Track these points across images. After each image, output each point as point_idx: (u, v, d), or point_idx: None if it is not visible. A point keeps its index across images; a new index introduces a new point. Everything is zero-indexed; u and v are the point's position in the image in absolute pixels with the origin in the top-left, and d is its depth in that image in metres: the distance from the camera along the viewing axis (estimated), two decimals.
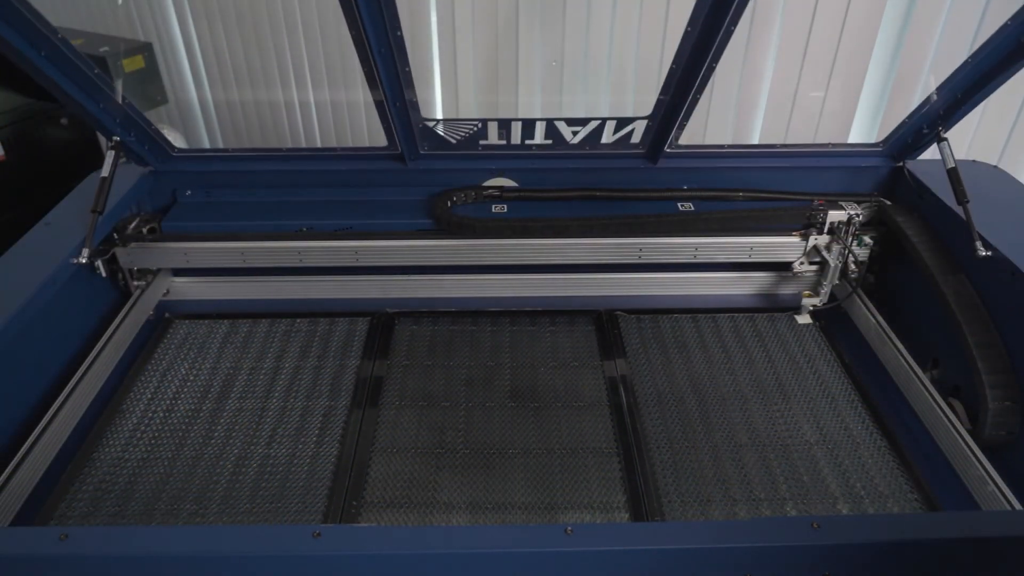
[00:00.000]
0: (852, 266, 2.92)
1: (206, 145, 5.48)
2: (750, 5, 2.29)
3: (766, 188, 3.06)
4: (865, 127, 4.50)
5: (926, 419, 2.46)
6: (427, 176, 3.11)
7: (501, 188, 3.10)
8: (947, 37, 3.97)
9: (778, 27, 4.24)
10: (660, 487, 2.22)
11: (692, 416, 2.49)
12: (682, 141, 2.98)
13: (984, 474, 2.14)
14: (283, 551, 1.51)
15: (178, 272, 3.14)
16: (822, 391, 2.60)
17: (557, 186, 3.09)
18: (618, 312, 2.99)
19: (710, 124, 4.65)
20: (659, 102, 2.78)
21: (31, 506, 2.16)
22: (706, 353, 2.78)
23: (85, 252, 2.62)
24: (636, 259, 2.94)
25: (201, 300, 3.13)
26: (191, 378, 2.66)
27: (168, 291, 3.12)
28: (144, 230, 2.94)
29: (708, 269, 3.09)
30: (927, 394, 2.45)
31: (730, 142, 4.66)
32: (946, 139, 2.69)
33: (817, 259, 2.97)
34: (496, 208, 3.04)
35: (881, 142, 3.01)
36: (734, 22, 2.33)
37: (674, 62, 2.59)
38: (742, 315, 2.99)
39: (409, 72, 2.61)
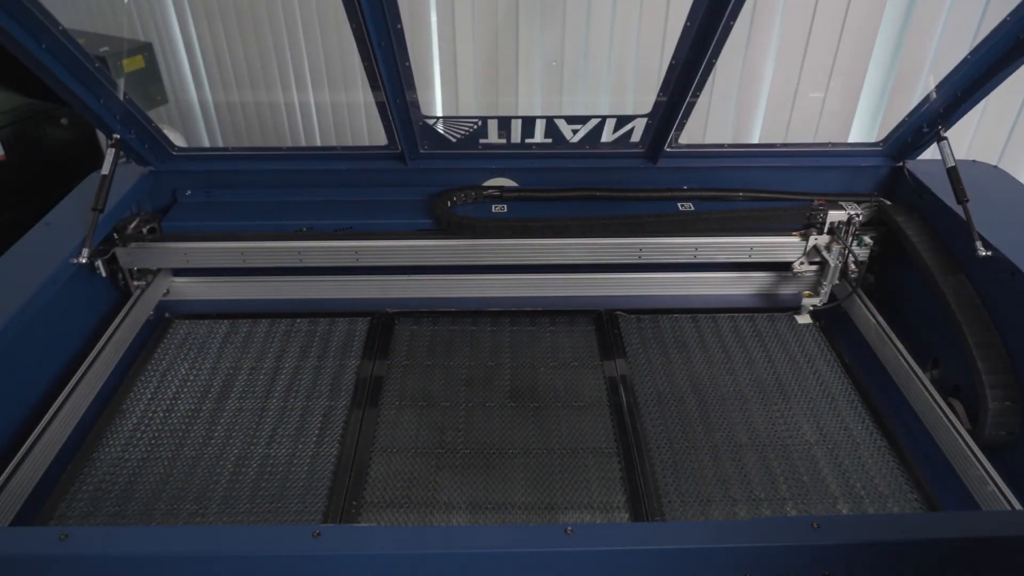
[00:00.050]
0: (852, 266, 2.92)
1: (206, 145, 5.48)
2: (750, 5, 2.29)
3: (766, 188, 3.06)
4: (865, 127, 4.50)
5: (926, 419, 2.46)
6: (427, 176, 3.11)
7: (501, 188, 3.10)
8: (947, 36, 3.97)
9: (778, 27, 4.24)
10: (660, 487, 2.22)
11: (692, 416, 2.49)
12: (682, 140, 2.98)
13: (984, 474, 2.14)
14: (283, 551, 1.51)
15: (178, 272, 3.14)
16: (822, 391, 2.60)
17: (557, 186, 3.09)
18: (618, 312, 2.99)
19: (710, 124, 4.65)
20: (659, 99, 2.78)
21: (31, 506, 2.16)
22: (706, 353, 2.78)
23: (85, 252, 2.62)
24: (636, 259, 2.94)
25: (201, 300, 3.13)
26: (191, 378, 2.66)
27: (168, 291, 3.12)
28: (144, 230, 2.94)
29: (708, 269, 3.09)
30: (927, 394, 2.45)
31: (730, 142, 4.66)
32: (946, 138, 2.69)
33: (817, 259, 2.97)
34: (496, 208, 3.04)
35: (881, 141, 3.01)
36: (733, 17, 2.33)
37: (674, 58, 2.59)
38: (742, 315, 2.99)
39: (409, 67, 2.61)
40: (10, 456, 2.20)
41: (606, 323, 2.93)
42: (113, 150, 2.79)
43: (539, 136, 2.97)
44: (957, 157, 2.66)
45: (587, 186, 3.08)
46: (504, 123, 2.91)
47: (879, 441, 2.39)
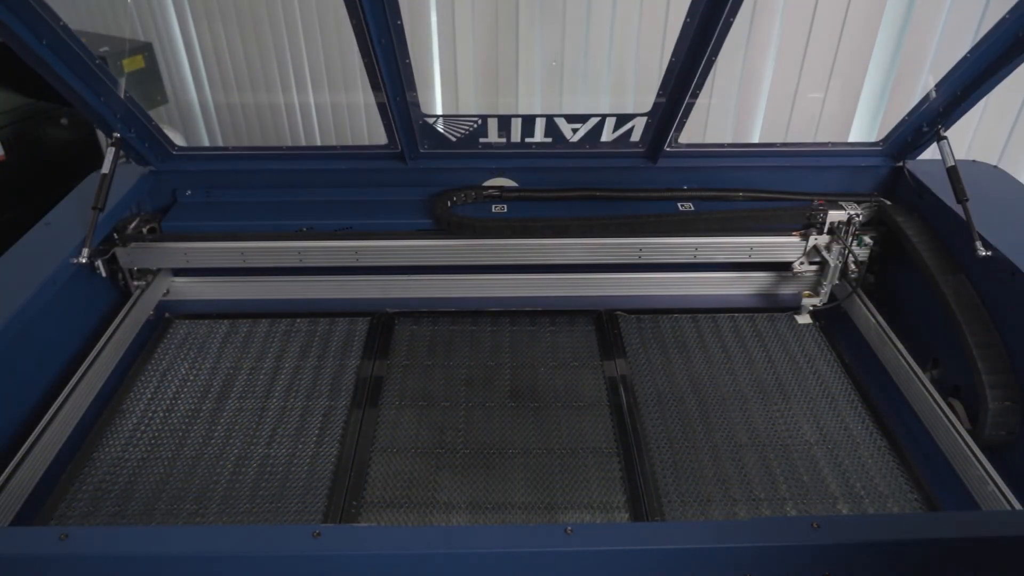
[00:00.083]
0: (852, 266, 2.92)
1: (206, 145, 5.48)
2: (750, 5, 2.29)
3: (766, 188, 3.06)
4: (865, 127, 4.50)
5: (926, 419, 2.46)
6: (427, 175, 3.11)
7: (501, 188, 3.10)
8: (947, 36, 3.97)
9: (778, 27, 4.24)
10: (660, 487, 2.22)
11: (692, 416, 2.49)
12: (682, 140, 2.98)
13: (984, 474, 2.14)
14: (283, 551, 1.51)
15: (178, 272, 3.14)
16: (822, 391, 2.60)
17: (557, 186, 3.09)
18: (618, 312, 2.99)
19: (710, 124, 4.65)
20: (659, 98, 2.77)
21: (31, 506, 2.16)
22: (706, 353, 2.78)
23: (85, 252, 2.62)
24: (636, 259, 2.94)
25: (201, 300, 3.13)
26: (191, 378, 2.66)
27: (168, 291, 3.12)
28: (144, 230, 2.94)
29: (708, 269, 3.09)
30: (927, 394, 2.45)
31: (730, 142, 4.66)
32: (946, 137, 2.69)
33: (817, 259, 2.97)
34: (496, 208, 3.04)
35: (881, 141, 3.01)
36: (733, 14, 2.32)
37: (673, 55, 2.59)
38: (742, 315, 2.99)
39: (409, 65, 2.61)
40: (10, 456, 2.20)
41: (606, 323, 2.93)
42: (113, 149, 2.79)
43: (539, 135, 2.97)
44: (957, 157, 2.66)
45: (587, 186, 3.08)
46: (504, 122, 2.91)
47: (879, 441, 2.39)
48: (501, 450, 2.36)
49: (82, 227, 2.69)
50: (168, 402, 2.56)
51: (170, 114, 5.30)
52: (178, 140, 3.19)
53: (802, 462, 2.31)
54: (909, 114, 2.80)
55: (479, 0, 4.40)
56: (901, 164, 3.00)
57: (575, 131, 2.96)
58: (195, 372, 2.69)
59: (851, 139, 4.51)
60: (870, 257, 2.96)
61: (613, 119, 2.90)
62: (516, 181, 3.12)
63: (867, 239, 2.92)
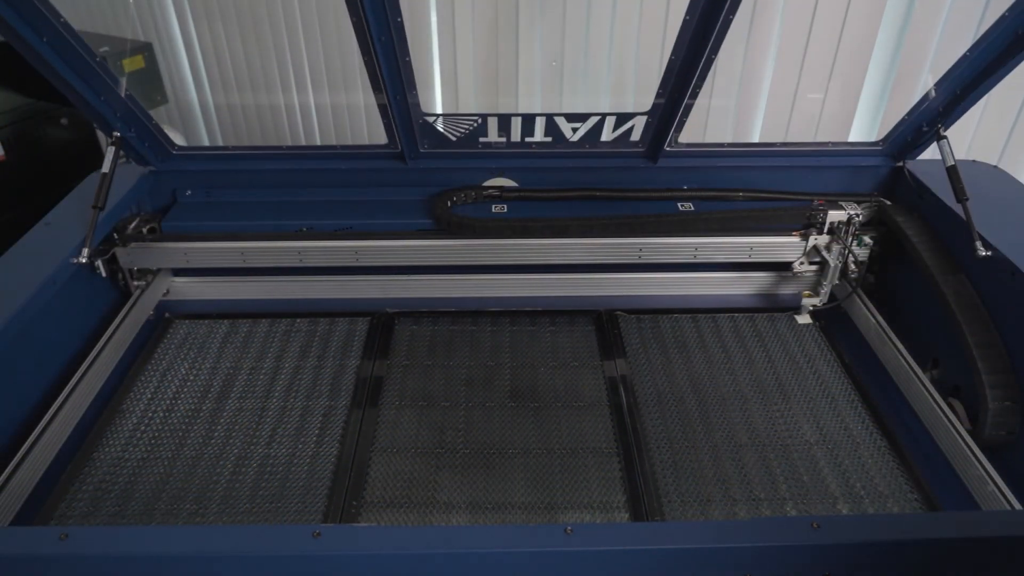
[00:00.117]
0: (852, 266, 2.92)
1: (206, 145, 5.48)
2: (750, 4, 2.28)
3: (766, 188, 3.06)
4: (865, 127, 4.50)
5: (926, 419, 2.46)
6: (427, 175, 3.11)
7: (501, 188, 3.10)
8: (948, 36, 3.97)
9: (778, 27, 4.24)
10: (660, 487, 2.22)
11: (692, 416, 2.49)
12: (682, 140, 2.98)
13: (984, 474, 2.14)
14: (283, 551, 1.51)
15: (178, 272, 3.14)
16: (822, 391, 2.60)
17: (557, 186, 3.09)
18: (618, 312, 2.99)
19: (710, 124, 4.65)
20: (659, 96, 2.77)
21: (31, 506, 2.16)
22: (706, 353, 2.78)
23: (85, 252, 2.62)
24: (636, 259, 2.94)
25: (201, 300, 3.13)
26: (191, 378, 2.66)
27: (168, 291, 3.12)
28: (144, 230, 2.94)
29: (708, 269, 3.09)
30: (927, 394, 2.45)
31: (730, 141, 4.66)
32: (945, 137, 2.69)
33: (817, 259, 2.97)
34: (496, 208, 3.04)
35: (881, 141, 3.01)
36: (732, 11, 2.32)
37: (673, 53, 2.58)
38: (742, 315, 2.99)
39: (409, 62, 2.60)
40: (10, 456, 2.20)
41: (606, 323, 2.93)
42: (113, 148, 2.79)
43: (539, 135, 2.97)
44: (957, 157, 2.66)
45: (587, 186, 3.08)
46: (504, 121, 2.91)
47: (879, 441, 2.39)
48: (501, 450, 2.36)
49: (82, 227, 2.69)
50: (168, 402, 2.56)
51: (170, 114, 5.30)
52: (178, 140, 3.19)
53: (802, 462, 2.31)
54: (909, 113, 2.80)
55: (479, 1, 4.40)
56: (901, 164, 3.00)
57: (575, 130, 2.96)
58: (195, 372, 2.69)
59: (851, 139, 4.51)
60: (870, 257, 2.96)
61: (613, 118, 2.90)
62: (516, 181, 3.12)
63: (867, 239, 2.92)
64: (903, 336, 2.70)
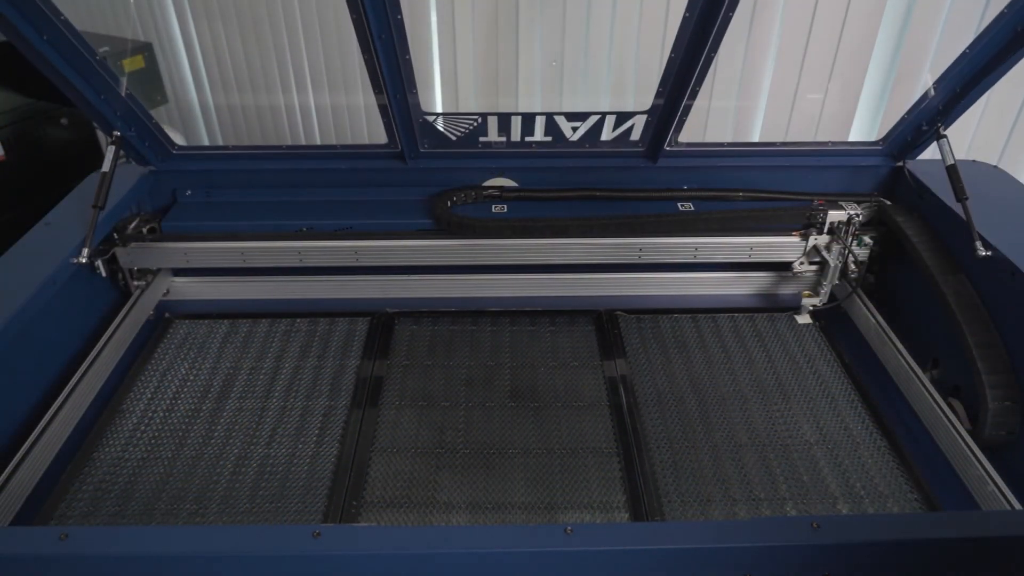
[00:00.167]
0: (852, 266, 2.92)
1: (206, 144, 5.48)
2: (751, 4, 2.28)
3: (766, 188, 3.06)
4: (865, 127, 4.51)
5: (926, 419, 2.46)
6: (427, 175, 3.11)
7: (501, 188, 3.10)
8: (948, 35, 3.97)
9: (778, 27, 4.24)
10: (660, 487, 2.22)
11: (692, 416, 2.49)
12: (681, 139, 2.98)
13: (984, 474, 2.14)
14: (283, 551, 1.51)
15: (178, 272, 3.14)
16: (822, 391, 2.60)
17: (557, 185, 3.09)
18: (618, 312, 2.99)
19: (710, 124, 4.65)
20: (659, 95, 2.77)
21: (31, 506, 2.16)
22: (706, 353, 2.78)
23: (85, 252, 2.62)
24: (636, 259, 2.94)
25: (201, 300, 3.13)
26: (191, 378, 2.66)
27: (168, 291, 3.12)
28: (144, 230, 2.94)
29: (708, 269, 3.09)
30: (927, 394, 2.45)
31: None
32: (945, 136, 2.69)
33: (817, 259, 2.97)
34: (496, 208, 3.04)
35: (881, 140, 3.01)
36: (732, 8, 2.32)
37: (673, 50, 2.58)
38: (742, 315, 2.99)
39: (409, 61, 2.60)
40: (10, 456, 2.20)
41: (606, 323, 2.93)
42: (113, 148, 2.79)
43: (539, 134, 2.97)
44: (957, 157, 2.66)
45: (587, 186, 3.08)
46: (504, 120, 2.91)
47: (879, 441, 2.39)
48: (501, 450, 2.36)
49: (82, 227, 2.69)
50: (168, 402, 2.56)
51: (170, 114, 5.30)
52: (178, 140, 3.19)
53: (802, 462, 2.31)
54: (908, 112, 2.80)
55: (479, 1, 4.40)
56: (901, 164, 3.00)
57: (575, 129, 2.96)
58: (195, 372, 2.69)
59: (851, 139, 4.51)
60: (870, 257, 2.96)
61: (613, 117, 2.90)
62: (516, 181, 3.12)
63: (867, 239, 2.92)
64: (903, 336, 2.70)
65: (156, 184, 3.13)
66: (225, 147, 3.17)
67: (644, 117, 2.87)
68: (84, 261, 2.62)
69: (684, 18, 2.45)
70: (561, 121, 2.93)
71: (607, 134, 2.96)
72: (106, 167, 2.75)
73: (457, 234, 2.91)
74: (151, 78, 4.35)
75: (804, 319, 2.97)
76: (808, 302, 2.99)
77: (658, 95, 2.78)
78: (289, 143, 5.28)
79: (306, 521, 2.13)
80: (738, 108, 4.58)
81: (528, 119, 2.91)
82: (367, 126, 5.10)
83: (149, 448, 2.37)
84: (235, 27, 4.87)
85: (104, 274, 2.83)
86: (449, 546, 1.51)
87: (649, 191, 3.08)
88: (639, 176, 3.09)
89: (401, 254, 2.93)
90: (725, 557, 1.54)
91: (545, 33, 4.44)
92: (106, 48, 3.79)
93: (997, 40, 2.38)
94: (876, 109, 4.42)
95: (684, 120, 2.84)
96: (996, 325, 2.38)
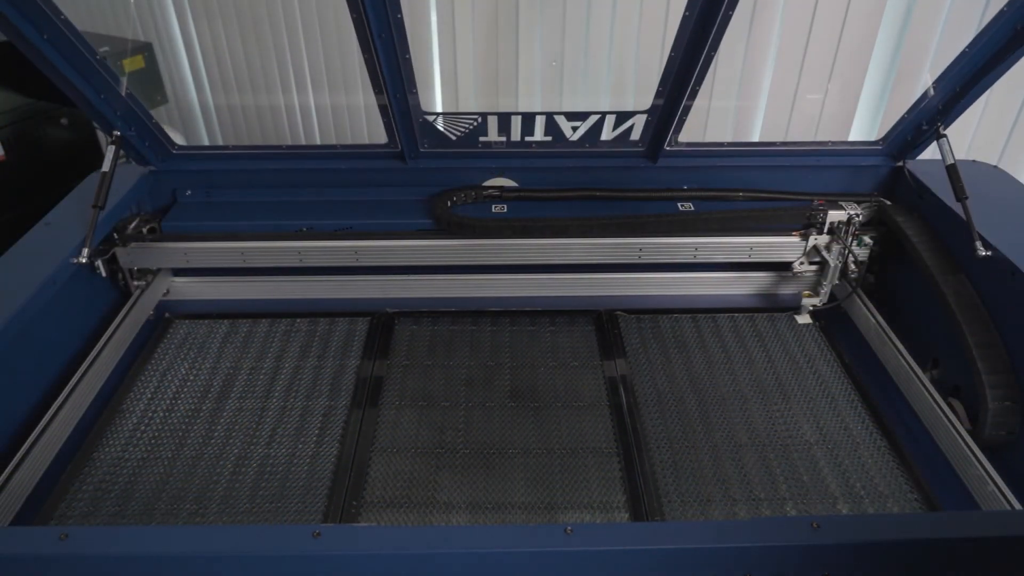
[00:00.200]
0: (852, 266, 2.92)
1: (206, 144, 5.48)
2: (751, 5, 2.28)
3: (766, 188, 3.06)
4: (865, 127, 4.50)
5: (926, 419, 2.46)
6: (427, 175, 3.11)
7: (501, 188, 3.10)
8: (948, 35, 3.97)
9: (778, 27, 4.24)
10: (660, 487, 2.22)
11: (692, 416, 2.49)
12: (681, 139, 2.98)
13: (984, 474, 2.14)
14: (283, 551, 1.51)
15: (178, 272, 3.14)
16: (822, 391, 2.60)
17: (557, 185, 3.09)
18: (618, 312, 2.99)
19: (710, 124, 4.65)
20: (659, 95, 2.77)
21: (31, 506, 2.16)
22: (706, 353, 2.78)
23: (85, 252, 2.62)
24: (636, 259, 2.94)
25: (201, 300, 3.13)
26: (191, 378, 2.66)
27: (168, 291, 3.12)
28: (144, 230, 2.94)
29: (708, 269, 3.09)
30: (927, 394, 2.45)
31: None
32: (945, 135, 2.69)
33: (817, 259, 2.97)
34: (496, 208, 3.04)
35: (881, 140, 3.01)
36: (732, 6, 2.32)
37: (673, 49, 2.58)
38: (742, 315, 2.98)
39: (409, 60, 2.60)
40: (10, 456, 2.20)
41: (606, 323, 2.93)
42: (113, 147, 2.79)
43: (539, 134, 2.97)
44: (957, 157, 2.66)
45: (587, 186, 3.08)
46: (504, 120, 2.91)
47: (879, 441, 2.39)
48: (501, 450, 2.36)
49: (82, 227, 2.69)
50: (168, 402, 2.56)
51: (170, 114, 5.30)
52: (178, 140, 3.19)
53: (802, 462, 2.31)
54: (908, 112, 2.80)
55: (479, 1, 4.40)
56: (901, 164, 3.00)
57: (575, 129, 2.96)
58: (195, 372, 2.69)
59: (851, 138, 4.51)
60: (870, 257, 2.96)
61: (613, 117, 2.90)
62: (516, 181, 3.12)
63: (867, 239, 2.92)
64: (903, 336, 2.69)
65: (156, 184, 3.13)
66: (225, 147, 3.17)
67: (644, 117, 2.88)
68: (84, 261, 2.62)
69: (684, 17, 2.45)
70: (561, 121, 2.93)
71: (607, 134, 2.96)
72: (106, 167, 2.75)
73: (457, 234, 2.91)
74: (151, 78, 4.35)
75: (804, 319, 2.97)
76: (808, 302, 2.99)
77: (658, 95, 2.78)
78: (289, 143, 5.27)
79: (306, 521, 2.13)
80: (738, 108, 4.58)
81: (528, 119, 2.91)
82: (367, 126, 5.09)
83: (149, 448, 2.37)
84: (235, 27, 4.86)
85: (104, 274, 2.83)
86: (449, 546, 1.51)
87: (649, 191, 3.08)
88: (639, 176, 3.09)
89: (401, 254, 2.93)
90: (725, 557, 1.54)
91: (545, 33, 4.44)
92: (106, 48, 3.79)
93: (997, 38, 2.37)
94: (876, 109, 4.42)
95: (684, 120, 2.84)
96: (996, 325, 2.38)
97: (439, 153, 3.04)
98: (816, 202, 2.95)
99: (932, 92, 2.66)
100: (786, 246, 2.95)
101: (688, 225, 2.92)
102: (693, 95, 2.69)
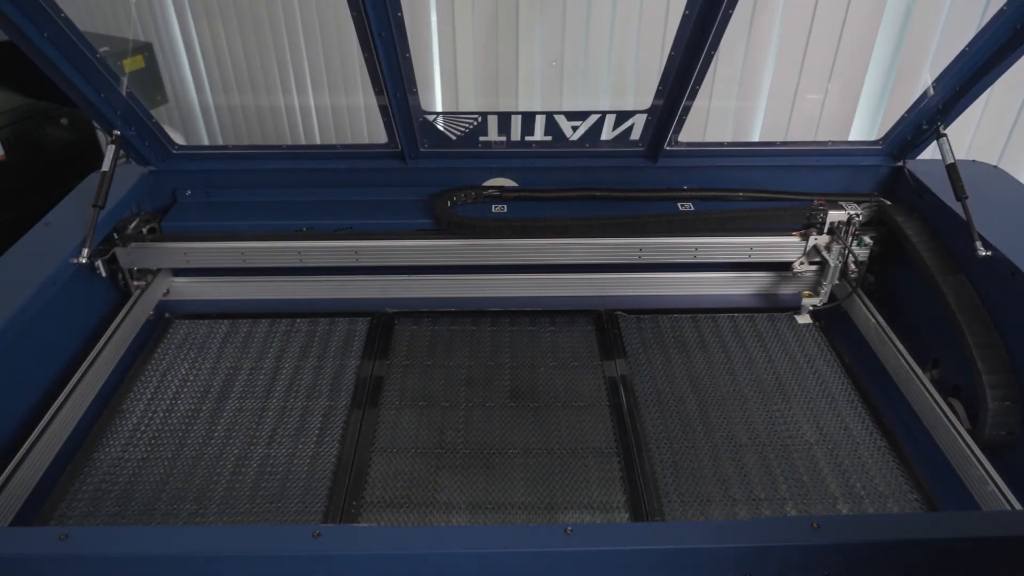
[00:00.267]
0: (852, 266, 2.92)
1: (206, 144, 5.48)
2: (751, 4, 2.28)
3: (766, 188, 3.06)
4: (865, 127, 4.50)
5: (926, 419, 2.46)
6: (427, 175, 3.11)
7: (501, 188, 3.10)
8: (948, 35, 3.97)
9: (778, 27, 4.24)
10: (660, 487, 2.22)
11: (692, 416, 2.49)
12: (681, 139, 2.98)
13: (984, 474, 2.14)
14: (283, 551, 1.51)
15: (178, 272, 3.14)
16: (822, 391, 2.60)
17: (557, 185, 3.09)
18: (618, 312, 2.99)
19: (710, 124, 4.65)
20: (659, 94, 2.77)
21: (31, 506, 2.16)
22: (706, 353, 2.78)
23: (85, 252, 2.62)
24: (636, 259, 2.94)
25: (201, 300, 3.13)
26: (191, 378, 2.66)
27: (168, 291, 3.12)
28: (144, 230, 2.94)
29: (708, 269, 3.09)
30: (927, 394, 2.45)
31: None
32: (945, 135, 2.69)
33: (817, 259, 2.97)
34: (496, 208, 3.04)
35: (881, 140, 3.01)
36: (732, 5, 2.32)
37: (673, 49, 2.58)
38: (742, 315, 2.98)
39: (409, 59, 2.60)
40: (10, 456, 2.20)
41: (606, 323, 2.93)
42: (113, 147, 2.79)
43: (539, 133, 2.97)
44: (957, 157, 2.66)
45: (587, 186, 3.08)
46: (504, 119, 2.91)
47: (879, 441, 2.39)
48: (501, 450, 2.36)
49: (82, 227, 2.69)
50: (168, 402, 2.56)
51: (170, 114, 5.30)
52: (178, 140, 3.19)
53: (802, 462, 2.31)
54: (908, 111, 2.80)
55: (479, 1, 4.40)
56: (901, 164, 3.00)
57: (575, 129, 2.96)
58: (195, 372, 2.69)
59: (851, 139, 4.51)
60: (870, 257, 2.96)
61: (613, 117, 2.90)
62: (516, 181, 3.12)
63: (867, 239, 2.92)
64: (903, 336, 2.69)
65: (156, 184, 3.13)
66: (225, 147, 3.17)
67: (644, 116, 2.87)
68: (84, 261, 2.62)
69: (684, 16, 2.45)
70: (561, 120, 2.93)
71: (607, 133, 2.96)
72: (106, 167, 2.75)
73: (457, 234, 2.91)
74: (151, 78, 4.34)
75: (804, 319, 2.97)
76: (808, 302, 2.99)
77: (658, 94, 2.78)
78: (289, 143, 5.27)
79: (306, 521, 2.13)
80: (738, 108, 4.58)
81: (528, 118, 2.91)
82: (367, 126, 5.09)
83: (149, 448, 2.37)
84: (235, 27, 4.86)
85: (104, 274, 2.83)
86: (449, 546, 1.51)
87: (649, 191, 3.08)
88: (639, 176, 3.09)
89: (401, 254, 2.93)
90: (725, 557, 1.54)
91: (545, 33, 4.44)
92: (106, 48, 3.78)
93: (997, 37, 2.37)
94: (876, 109, 4.42)
95: (684, 120, 2.84)
96: (996, 325, 2.38)
97: (439, 153, 3.04)
98: (816, 202, 2.95)
99: (932, 92, 2.66)
100: (786, 246, 2.95)
101: (688, 225, 2.92)
102: (693, 95, 2.69)
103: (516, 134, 2.96)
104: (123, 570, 1.54)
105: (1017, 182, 2.93)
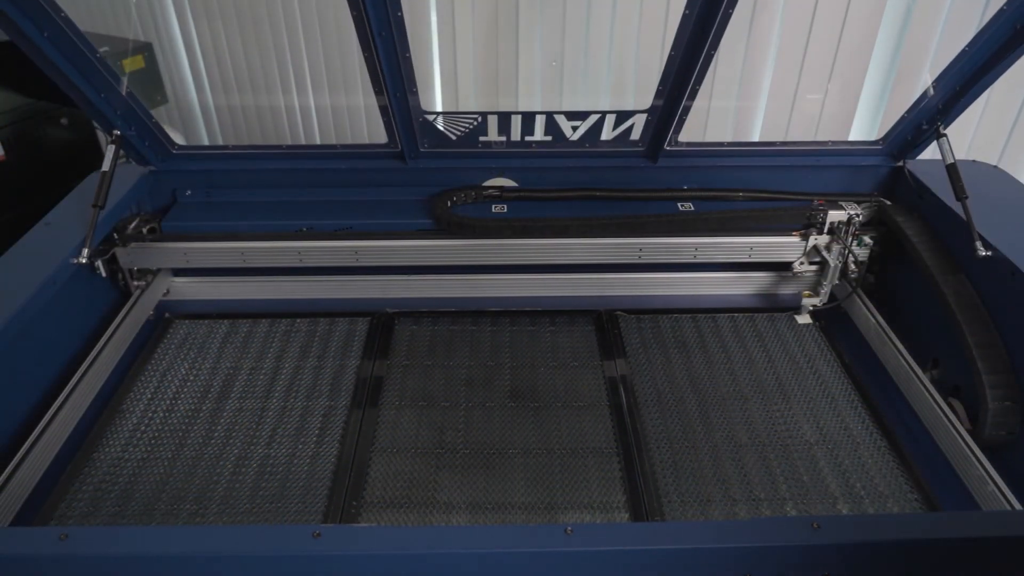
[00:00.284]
0: (852, 266, 2.92)
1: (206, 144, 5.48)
2: (751, 4, 2.28)
3: (766, 188, 3.06)
4: (865, 127, 4.50)
5: (926, 419, 2.46)
6: (427, 175, 3.11)
7: (501, 188, 3.10)
8: (948, 35, 3.97)
9: (778, 27, 4.24)
10: (660, 487, 2.22)
11: (692, 416, 2.49)
12: (681, 139, 2.98)
13: (984, 474, 2.14)
14: (283, 551, 1.51)
15: (178, 272, 3.14)
16: (822, 391, 2.60)
17: (557, 185, 3.09)
18: (618, 312, 2.99)
19: (710, 124, 4.65)
20: (659, 94, 2.77)
21: (31, 506, 2.16)
22: (706, 353, 2.78)
23: (85, 252, 2.62)
24: (636, 259, 2.94)
25: (201, 300, 3.13)
26: (191, 378, 2.66)
27: (168, 291, 3.12)
28: (144, 230, 2.94)
29: (708, 269, 3.09)
30: (927, 394, 2.45)
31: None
32: (945, 135, 2.69)
33: (817, 259, 2.97)
34: (496, 208, 3.04)
35: (881, 140, 3.01)
36: (732, 4, 2.32)
37: (673, 48, 2.58)
38: (742, 315, 2.98)
39: (409, 59, 2.60)
40: (10, 456, 2.20)
41: (606, 323, 2.93)
42: (113, 147, 2.79)
43: (539, 133, 2.97)
44: (957, 157, 2.66)
45: (587, 186, 3.08)
46: (504, 119, 2.91)
47: (879, 441, 2.39)
48: (501, 450, 2.36)
49: (82, 227, 2.69)
50: (168, 402, 2.56)
51: (170, 114, 5.30)
52: (178, 140, 3.19)
53: (802, 462, 2.31)
54: (908, 111, 2.80)
55: (479, 1, 4.40)
56: (901, 164, 3.00)
57: (575, 129, 2.96)
58: (195, 372, 2.69)
59: (851, 139, 4.51)
60: (870, 257, 2.96)
61: (613, 117, 2.90)
62: (516, 181, 3.12)
63: (867, 239, 2.92)
64: (903, 336, 2.69)
65: (156, 184, 3.13)
66: (225, 147, 3.17)
67: (644, 116, 2.87)
68: (84, 261, 2.62)
69: (684, 16, 2.45)
70: (561, 120, 2.93)
71: (607, 133, 2.96)
72: (106, 166, 2.75)
73: (457, 234, 2.91)
74: (151, 78, 4.34)
75: (804, 319, 2.97)
76: (808, 302, 2.99)
77: (658, 94, 2.78)
78: (289, 143, 5.27)
79: (306, 521, 2.13)
80: (738, 108, 4.58)
81: (528, 118, 2.91)
82: (367, 126, 5.09)
83: (149, 448, 2.37)
84: (235, 27, 4.86)
85: (104, 274, 2.83)
86: (449, 546, 1.51)
87: (649, 191, 3.08)
88: (639, 176, 3.09)
89: (401, 254, 2.93)
90: (725, 557, 1.54)
91: (545, 33, 4.44)
92: (106, 48, 3.79)
93: (997, 37, 2.37)
94: (876, 109, 4.42)
95: (684, 120, 2.84)
96: (996, 325, 2.38)
97: (439, 153, 3.04)
98: (816, 202, 2.95)
99: (932, 91, 2.66)
100: (786, 246, 2.95)
101: (688, 225, 2.92)
102: (693, 95, 2.69)
103: (516, 134, 2.96)
104: (123, 570, 1.54)
105: (1017, 182, 2.93)
